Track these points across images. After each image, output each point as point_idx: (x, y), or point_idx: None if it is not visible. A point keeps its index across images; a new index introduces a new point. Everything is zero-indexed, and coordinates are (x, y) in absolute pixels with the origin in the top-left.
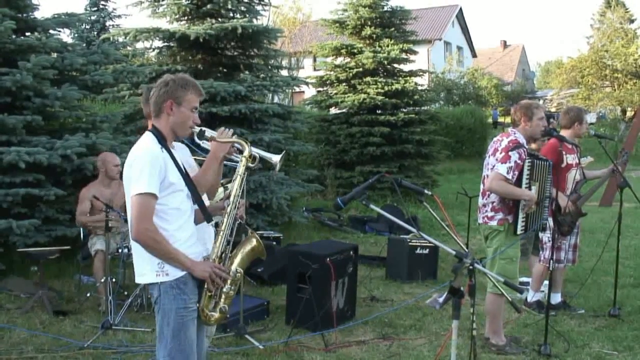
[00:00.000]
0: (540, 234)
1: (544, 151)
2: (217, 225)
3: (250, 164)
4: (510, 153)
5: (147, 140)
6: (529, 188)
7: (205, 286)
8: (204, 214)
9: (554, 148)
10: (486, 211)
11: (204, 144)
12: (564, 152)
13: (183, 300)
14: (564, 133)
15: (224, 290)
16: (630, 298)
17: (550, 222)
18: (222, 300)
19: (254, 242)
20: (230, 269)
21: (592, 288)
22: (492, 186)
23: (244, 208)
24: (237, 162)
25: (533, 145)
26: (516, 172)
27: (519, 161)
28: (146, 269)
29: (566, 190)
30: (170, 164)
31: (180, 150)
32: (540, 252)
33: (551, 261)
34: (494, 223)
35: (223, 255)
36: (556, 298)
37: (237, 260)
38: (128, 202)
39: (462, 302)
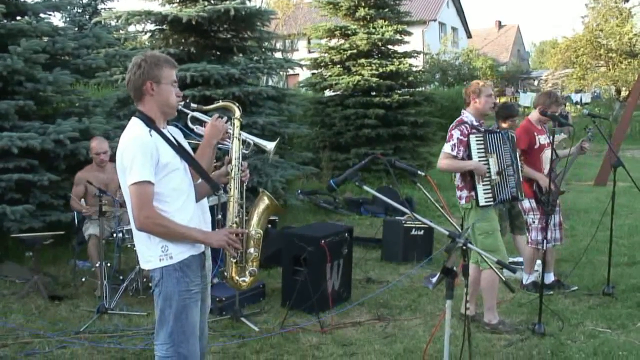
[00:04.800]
0: (525, 216)
1: (517, 133)
2: (226, 192)
3: (244, 150)
4: (452, 132)
5: (134, 127)
6: (486, 160)
7: (227, 254)
8: (209, 184)
9: (527, 130)
10: (457, 193)
11: (198, 129)
12: (535, 133)
13: (186, 283)
14: (534, 114)
15: (248, 253)
16: (624, 276)
17: (533, 203)
18: (249, 263)
19: (266, 200)
20: (249, 232)
21: (586, 267)
22: (441, 165)
23: (248, 170)
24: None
25: (504, 125)
26: (461, 148)
27: (461, 137)
28: (150, 256)
29: (543, 171)
30: (162, 145)
31: (175, 134)
32: (527, 234)
33: (545, 241)
34: (462, 202)
35: (238, 219)
36: (549, 277)
37: (253, 222)
38: (125, 192)
39: (456, 282)
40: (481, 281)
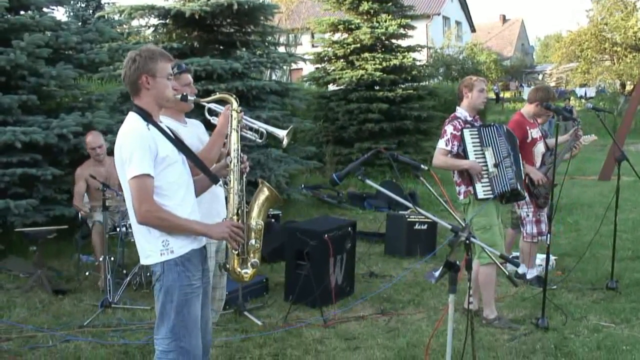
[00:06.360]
0: (518, 210)
1: (510, 127)
2: (226, 184)
3: (258, 140)
4: (445, 127)
5: (131, 121)
6: (482, 154)
7: (229, 246)
8: (209, 176)
9: (519, 123)
10: (456, 189)
11: (214, 120)
12: (528, 127)
13: (187, 277)
14: (527, 107)
15: (250, 244)
16: (627, 271)
17: (527, 197)
18: (251, 255)
19: (266, 191)
20: (250, 223)
21: (590, 261)
22: (436, 162)
23: (247, 162)
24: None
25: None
26: (455, 142)
27: (454, 132)
28: (151, 250)
29: (535, 164)
30: (160, 138)
31: (195, 127)
32: (521, 229)
33: (549, 235)
34: (461, 197)
35: (239, 211)
36: (524, 268)
37: (254, 213)
38: (124, 187)
39: (459, 277)
40: (479, 276)
